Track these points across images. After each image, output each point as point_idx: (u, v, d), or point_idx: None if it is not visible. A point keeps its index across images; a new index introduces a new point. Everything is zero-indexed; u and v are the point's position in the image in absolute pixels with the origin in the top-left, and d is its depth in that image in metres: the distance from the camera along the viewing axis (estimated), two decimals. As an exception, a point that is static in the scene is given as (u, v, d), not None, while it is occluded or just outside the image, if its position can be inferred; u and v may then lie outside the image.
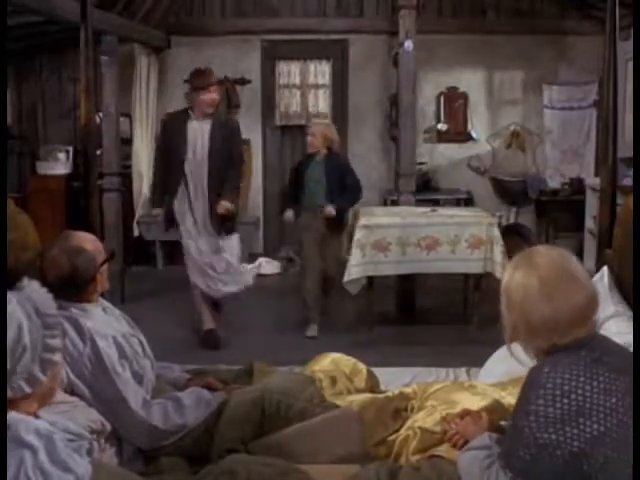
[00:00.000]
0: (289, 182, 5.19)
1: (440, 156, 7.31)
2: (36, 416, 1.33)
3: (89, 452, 1.73)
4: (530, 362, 1.68)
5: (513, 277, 1.65)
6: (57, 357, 1.32)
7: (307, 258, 4.92)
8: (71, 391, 2.04)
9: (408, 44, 5.46)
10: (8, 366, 1.21)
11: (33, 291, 1.30)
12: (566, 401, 1.49)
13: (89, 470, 1.30)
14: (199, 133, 4.54)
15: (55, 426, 1.35)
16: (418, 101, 6.48)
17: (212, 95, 4.52)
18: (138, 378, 2.22)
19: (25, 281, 1.30)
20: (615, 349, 1.64)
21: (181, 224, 4.62)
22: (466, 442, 1.88)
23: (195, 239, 4.59)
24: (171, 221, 4.65)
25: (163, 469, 2.05)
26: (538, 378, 1.56)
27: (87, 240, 2.23)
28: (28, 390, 1.26)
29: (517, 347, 1.72)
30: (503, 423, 1.90)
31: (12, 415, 1.22)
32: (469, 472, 1.74)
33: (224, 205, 4.47)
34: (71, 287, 2.15)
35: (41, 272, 2.11)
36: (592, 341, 1.60)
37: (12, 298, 1.25)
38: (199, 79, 4.56)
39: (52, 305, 1.32)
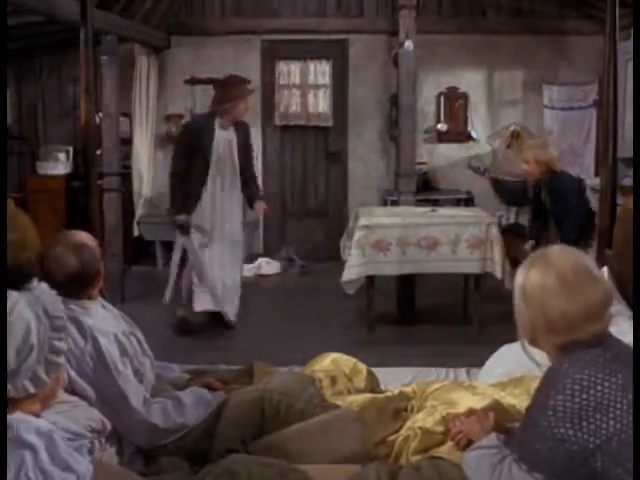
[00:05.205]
0: None
1: (440, 156, 7.30)
2: (37, 416, 1.32)
3: (90, 451, 1.73)
4: (543, 361, 1.70)
5: (529, 275, 1.65)
6: (62, 360, 1.33)
7: None
8: (71, 390, 2.04)
9: (408, 44, 5.46)
10: (13, 365, 1.21)
11: (42, 292, 1.30)
12: (585, 396, 1.50)
13: (90, 469, 1.30)
14: (226, 138, 4.52)
15: (56, 426, 1.35)
16: (418, 101, 6.48)
17: (246, 104, 4.49)
18: (139, 376, 2.23)
19: (34, 282, 1.30)
20: (627, 349, 1.65)
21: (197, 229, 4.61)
22: (469, 442, 1.87)
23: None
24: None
25: (163, 469, 2.05)
26: (558, 375, 1.57)
27: (85, 236, 2.26)
28: (32, 390, 1.26)
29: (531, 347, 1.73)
30: (510, 426, 1.89)
31: (13, 415, 1.22)
32: (477, 468, 1.74)
33: (262, 206, 4.63)
34: (79, 283, 2.16)
35: (45, 272, 2.11)
36: (609, 339, 1.62)
37: (21, 298, 1.25)
38: (237, 88, 4.48)
39: (60, 308, 1.32)
